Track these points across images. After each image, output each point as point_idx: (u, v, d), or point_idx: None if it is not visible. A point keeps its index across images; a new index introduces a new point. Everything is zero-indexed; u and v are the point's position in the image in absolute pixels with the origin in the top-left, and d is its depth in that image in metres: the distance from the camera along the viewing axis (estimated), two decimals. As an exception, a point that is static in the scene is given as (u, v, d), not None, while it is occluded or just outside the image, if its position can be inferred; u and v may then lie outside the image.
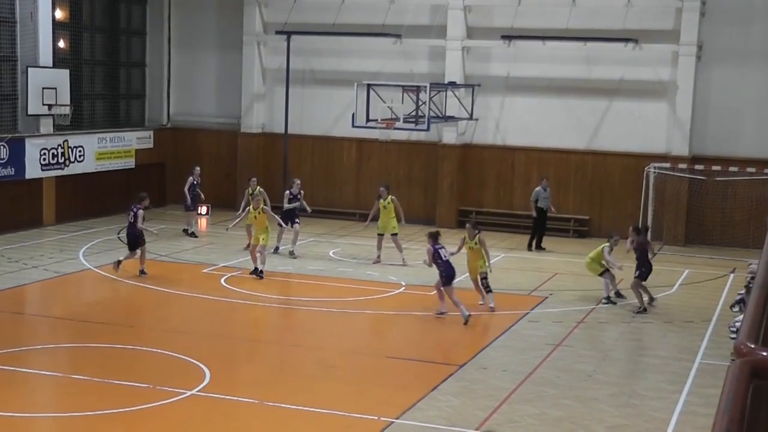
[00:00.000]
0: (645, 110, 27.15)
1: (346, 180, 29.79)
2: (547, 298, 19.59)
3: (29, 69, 25.39)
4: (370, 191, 29.56)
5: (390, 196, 22.79)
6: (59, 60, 26.95)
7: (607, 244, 19.30)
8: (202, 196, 26.01)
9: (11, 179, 24.99)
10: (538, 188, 25.23)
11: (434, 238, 17.77)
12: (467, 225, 19.25)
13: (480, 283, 18.46)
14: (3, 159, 24.68)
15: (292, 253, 22.80)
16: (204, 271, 21.30)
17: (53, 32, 26.42)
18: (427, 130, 25.42)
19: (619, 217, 26.28)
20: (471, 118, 27.84)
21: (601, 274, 19.18)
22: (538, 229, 25.17)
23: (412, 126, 25.18)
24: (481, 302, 18.52)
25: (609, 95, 27.37)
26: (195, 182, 25.52)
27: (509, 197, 28.45)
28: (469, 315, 17.15)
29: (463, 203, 28.68)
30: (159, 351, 15.14)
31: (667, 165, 26.44)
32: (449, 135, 28.52)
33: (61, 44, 27.73)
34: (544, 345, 16.22)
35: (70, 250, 23.06)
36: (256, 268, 20.14)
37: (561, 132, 27.78)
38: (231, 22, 30.62)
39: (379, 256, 22.57)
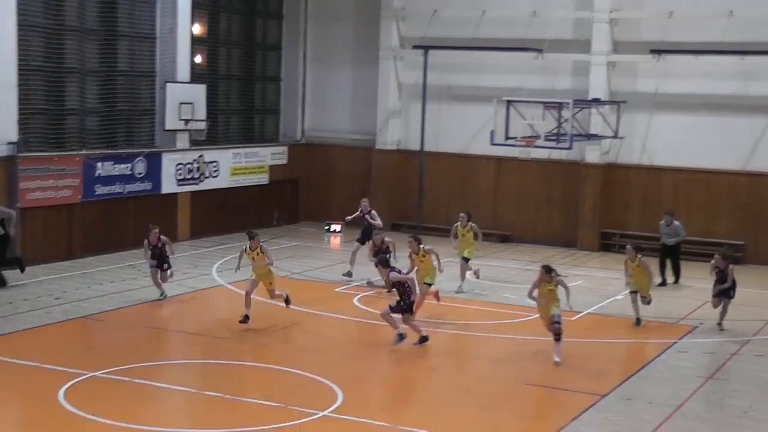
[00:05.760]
0: (807, 129, 26.23)
1: (482, 199, 29.61)
2: (696, 327, 19.02)
3: (167, 84, 26.26)
4: (508, 211, 29.47)
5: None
6: (196, 75, 27.76)
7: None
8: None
9: (148, 193, 25.87)
10: None
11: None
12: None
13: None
14: (141, 173, 25.55)
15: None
16: (337, 290, 21.50)
17: (191, 47, 27.27)
18: (569, 148, 25.15)
19: (776, 243, 25.39)
20: (616, 136, 27.37)
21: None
22: None
23: (553, 144, 24.92)
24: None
25: (768, 113, 26.54)
26: (364, 213, 23.36)
27: (656, 220, 27.76)
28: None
29: (606, 225, 28.21)
30: (291, 370, 15.33)
31: (830, 188, 25.42)
32: (592, 154, 28.11)
33: (199, 59, 28.55)
34: (693, 377, 15.75)
35: (203, 266, 23.64)
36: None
37: (713, 152, 27.03)
38: (367, 36, 30.96)
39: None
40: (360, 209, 23.28)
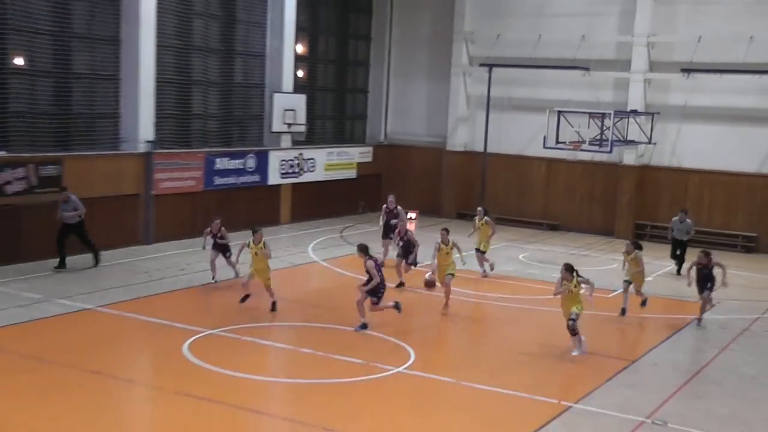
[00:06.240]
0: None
1: (535, 194, 29.55)
2: (714, 306, 18.70)
3: (274, 94, 26.60)
4: (556, 204, 29.28)
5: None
6: (298, 86, 28.05)
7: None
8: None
9: (257, 185, 26.29)
10: None
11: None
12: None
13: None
14: (252, 168, 25.99)
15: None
16: (412, 267, 21.53)
17: (294, 64, 27.57)
18: (610, 152, 24.95)
19: (787, 236, 24.83)
20: (650, 142, 27.01)
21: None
22: None
23: (596, 148, 24.75)
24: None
25: (781, 124, 25.88)
26: (389, 210, 21.62)
27: (683, 214, 27.38)
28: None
29: (639, 217, 27.90)
30: (372, 333, 15.52)
31: (836, 189, 24.73)
32: (629, 157, 27.77)
33: (300, 74, 28.84)
34: (711, 348, 15.59)
35: (301, 245, 23.97)
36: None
37: (734, 156, 26.51)
38: (441, 55, 30.98)
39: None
40: (386, 205, 21.56)
